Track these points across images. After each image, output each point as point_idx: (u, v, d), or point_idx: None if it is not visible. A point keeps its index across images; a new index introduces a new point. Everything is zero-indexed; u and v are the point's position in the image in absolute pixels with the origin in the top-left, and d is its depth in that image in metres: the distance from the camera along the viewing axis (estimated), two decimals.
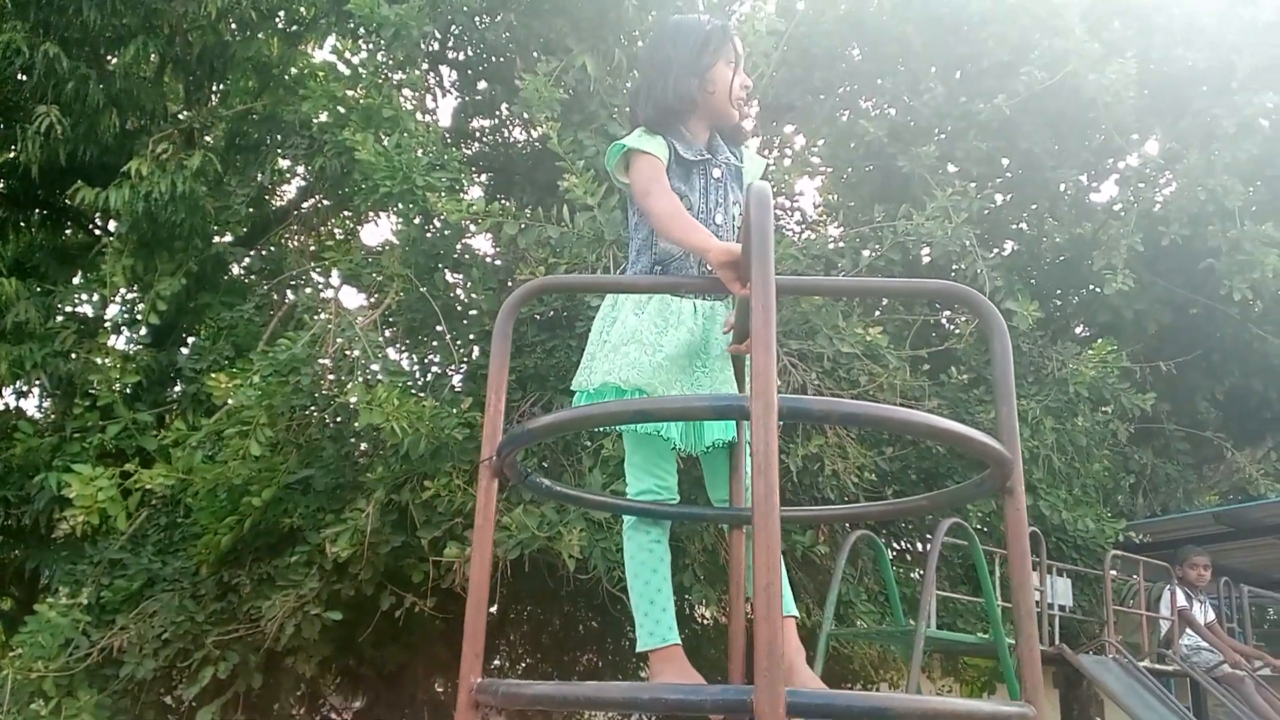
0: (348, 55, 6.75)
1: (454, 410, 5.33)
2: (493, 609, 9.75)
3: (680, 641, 2.18)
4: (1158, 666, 6.08)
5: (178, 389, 7.32)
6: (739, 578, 2.01)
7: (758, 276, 1.27)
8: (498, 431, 1.55)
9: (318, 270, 7.91)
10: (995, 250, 9.43)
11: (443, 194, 5.68)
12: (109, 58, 7.38)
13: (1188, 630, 6.28)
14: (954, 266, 7.04)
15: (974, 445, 1.40)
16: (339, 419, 6.20)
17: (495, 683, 1.38)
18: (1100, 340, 7.02)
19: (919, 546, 7.71)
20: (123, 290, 7.38)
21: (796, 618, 2.20)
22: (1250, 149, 6.40)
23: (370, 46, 6.58)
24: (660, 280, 1.93)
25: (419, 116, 7.67)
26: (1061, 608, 5.88)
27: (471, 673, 1.44)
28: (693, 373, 2.24)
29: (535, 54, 6.76)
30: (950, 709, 1.20)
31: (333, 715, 8.92)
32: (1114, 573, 6.24)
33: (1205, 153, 6.57)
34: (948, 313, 7.48)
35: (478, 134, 8.83)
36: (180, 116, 7.79)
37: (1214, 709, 6.73)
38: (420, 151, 6.00)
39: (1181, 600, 6.27)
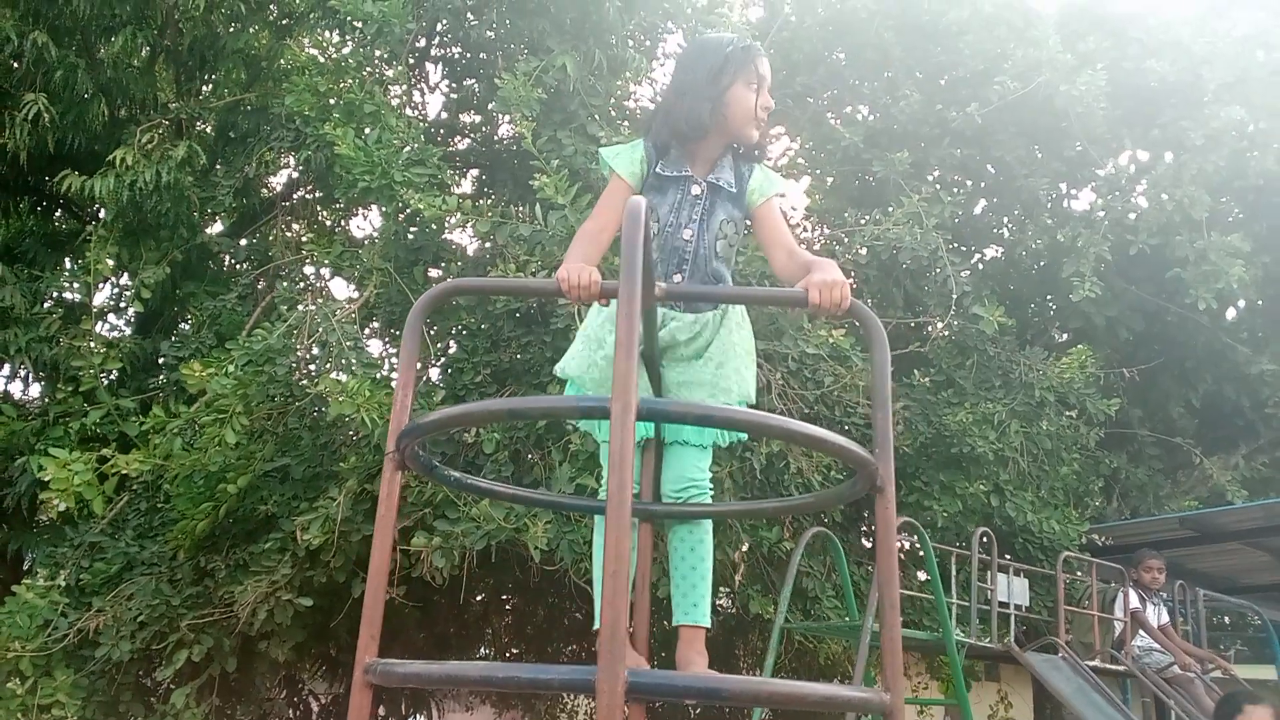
0: (330, 50, 6.83)
1: (426, 404, 5.44)
2: (479, 599, 9.91)
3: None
4: (1108, 666, 6.20)
5: (162, 377, 7.42)
6: (642, 568, 2.13)
7: (626, 287, 1.38)
8: (403, 425, 1.66)
9: (309, 261, 8.00)
10: (976, 256, 9.57)
11: (421, 190, 5.79)
12: (99, 47, 7.48)
13: (1140, 632, 6.41)
14: (927, 272, 7.16)
15: (833, 448, 1.51)
16: (317, 409, 6.31)
17: (385, 663, 1.49)
18: (1079, 346, 7.15)
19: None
20: (110, 278, 7.48)
21: (704, 628, 2.29)
22: (1217, 161, 6.51)
23: (354, 41, 6.67)
24: (545, 284, 2.04)
25: (407, 112, 7.79)
26: (1018, 607, 6.00)
27: (366, 653, 1.55)
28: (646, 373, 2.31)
29: (520, 53, 6.86)
30: (789, 691, 1.31)
31: (311, 700, 9.04)
32: (1069, 575, 6.35)
33: (1174, 164, 6.68)
34: (921, 318, 7.60)
35: (466, 130, 8.93)
36: (170, 107, 7.88)
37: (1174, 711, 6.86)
38: (406, 148, 6.10)
39: (1135, 602, 6.40)
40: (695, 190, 2.39)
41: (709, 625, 2.31)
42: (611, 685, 1.19)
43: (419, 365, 6.82)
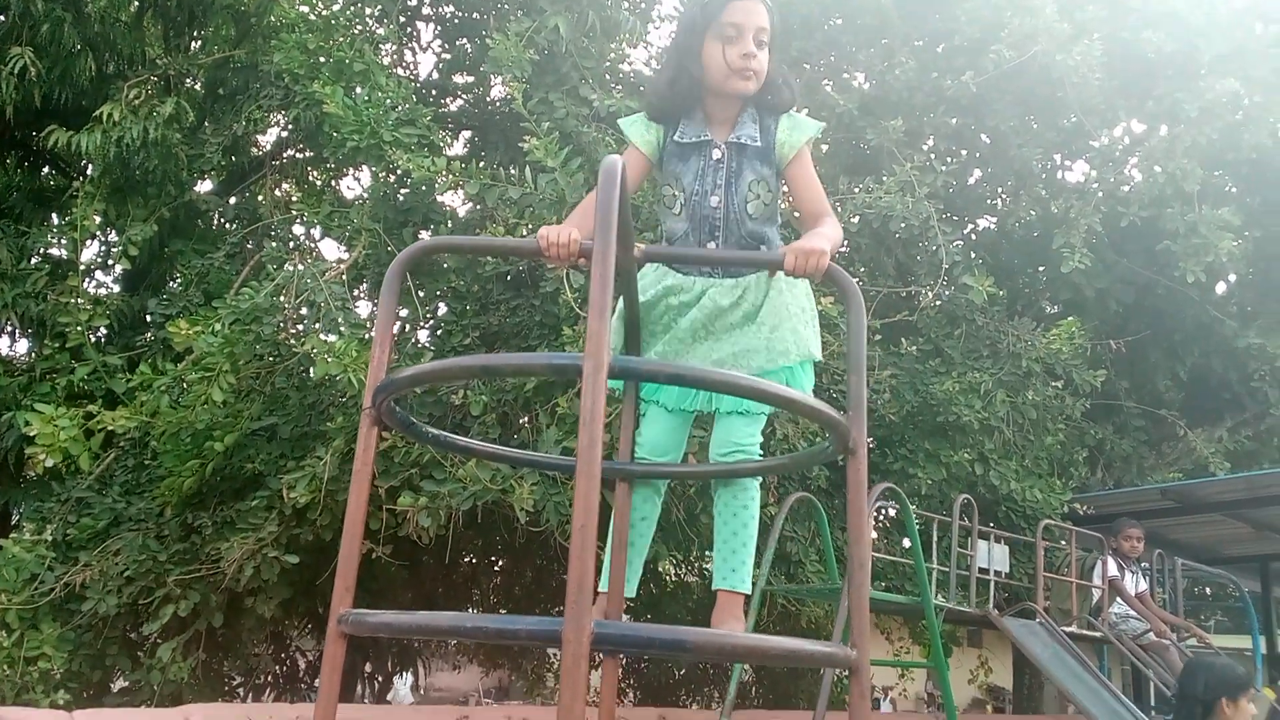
0: (320, 6, 6.75)
1: (414, 364, 5.43)
2: (467, 560, 9.99)
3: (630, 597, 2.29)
4: (1085, 633, 6.29)
5: (149, 334, 7.41)
6: (620, 529, 2.15)
7: (599, 246, 1.38)
8: (379, 381, 1.67)
9: (298, 221, 7.97)
10: (969, 226, 9.55)
11: (411, 151, 5.75)
12: (86, 1, 7.38)
13: (1118, 599, 6.50)
14: (919, 241, 7.15)
15: (804, 409, 1.52)
16: (304, 369, 6.31)
17: (357, 613, 1.51)
18: (1069, 319, 7.17)
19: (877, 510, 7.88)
20: (97, 234, 7.44)
21: (739, 592, 2.25)
22: (1210, 134, 6.49)
23: None
24: (524, 243, 2.04)
25: (398, 72, 7.71)
26: (998, 573, 6.07)
27: (341, 604, 1.57)
28: (693, 343, 2.29)
29: (513, 13, 6.78)
30: (752, 645, 1.33)
31: (299, 657, 9.12)
32: (1048, 542, 6.42)
33: (1168, 136, 6.66)
34: (912, 287, 7.59)
35: (459, 91, 8.86)
36: (158, 63, 7.80)
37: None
38: (396, 107, 6.05)
39: (1114, 570, 6.48)
40: (716, 154, 2.32)
41: (748, 591, 2.27)
42: (577, 636, 1.20)
43: (407, 328, 6.83)
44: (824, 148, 8.82)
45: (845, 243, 7.18)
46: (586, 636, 1.21)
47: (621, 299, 2.17)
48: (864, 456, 1.67)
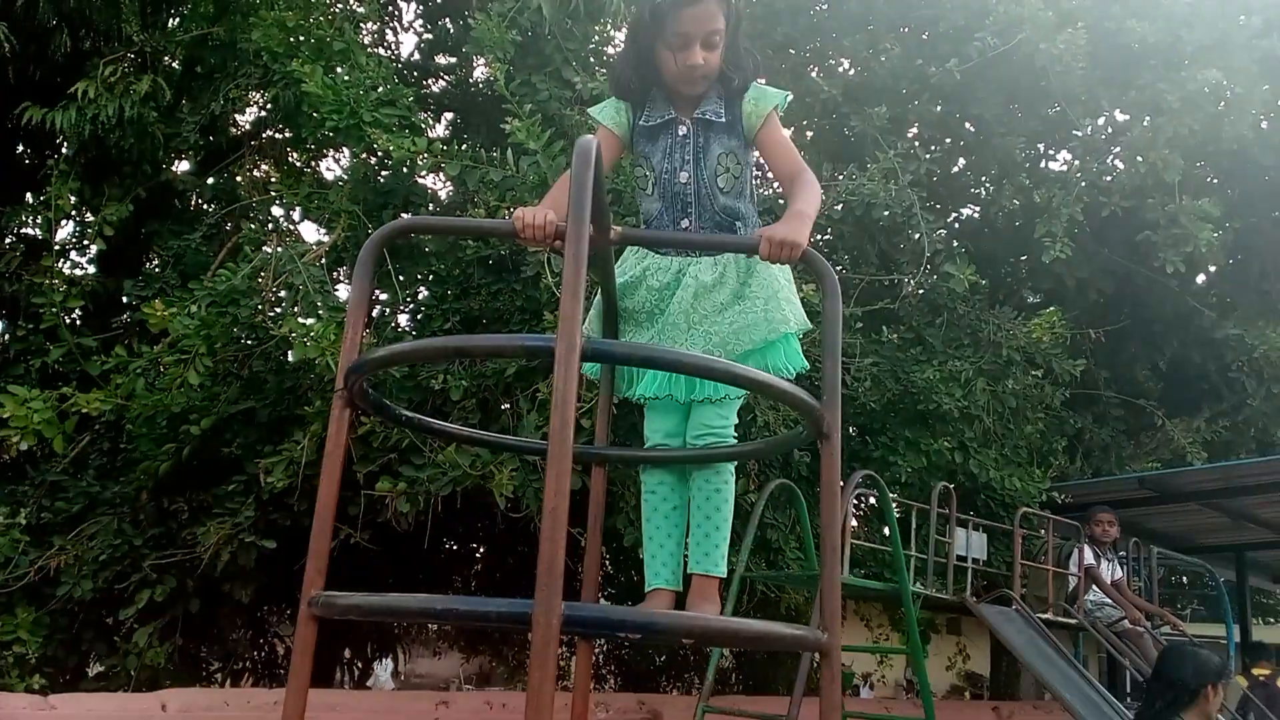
0: None
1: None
2: (449, 546, 9.96)
3: (663, 587, 2.29)
4: (1061, 619, 6.34)
5: (125, 316, 7.32)
6: (595, 511, 2.13)
7: (572, 227, 1.35)
8: (351, 362, 1.64)
9: (279, 202, 7.87)
10: (953, 215, 9.56)
11: (391, 131, 5.68)
12: None
13: (1093, 587, 6.54)
14: (902, 229, 7.14)
15: (777, 393, 1.50)
16: (282, 352, 6.25)
17: (327, 595, 1.49)
18: (1051, 309, 7.18)
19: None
20: (71, 214, 7.32)
21: (714, 576, 2.24)
22: (1192, 124, 6.50)
23: None
24: (499, 224, 2.02)
25: (379, 51, 7.62)
26: (975, 560, 6.10)
27: (312, 587, 1.54)
28: (688, 329, 2.26)
29: None
30: (723, 627, 1.31)
31: (277, 643, 9.07)
32: (1026, 530, 6.45)
33: (1150, 126, 6.67)
34: (894, 275, 7.60)
35: (441, 72, 8.77)
36: (135, 40, 7.67)
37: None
38: (379, 88, 5.98)
39: (1090, 558, 6.52)
40: (682, 130, 2.34)
41: (722, 574, 2.27)
42: (547, 618, 1.19)
43: (387, 312, 6.77)
44: (808, 135, 8.81)
45: (828, 230, 7.17)
46: (556, 619, 1.19)
47: (600, 283, 2.14)
48: (838, 441, 1.65)
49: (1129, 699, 6.53)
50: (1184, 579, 14.97)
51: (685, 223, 2.32)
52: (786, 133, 2.42)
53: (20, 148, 8.80)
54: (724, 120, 2.32)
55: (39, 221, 7.28)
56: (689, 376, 2.21)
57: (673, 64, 2.25)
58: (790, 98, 2.36)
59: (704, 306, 2.25)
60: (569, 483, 1.25)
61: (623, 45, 2.36)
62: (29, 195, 7.94)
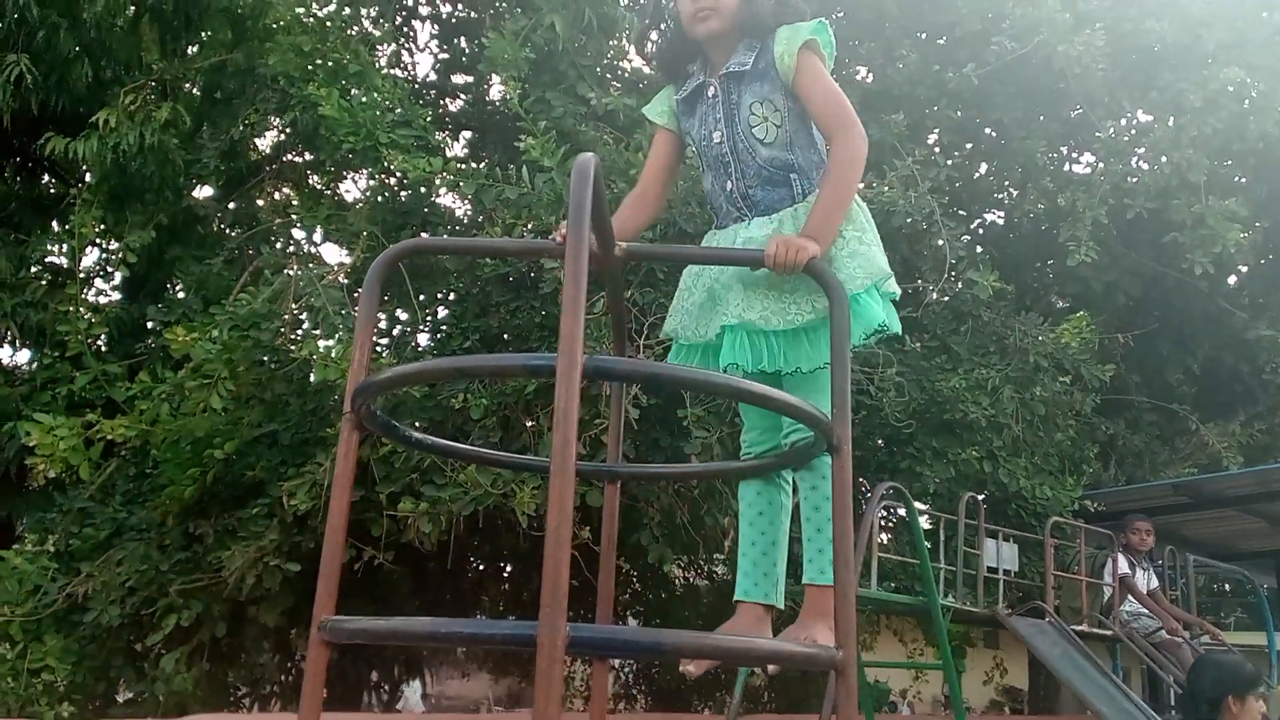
0: (315, 7, 6.70)
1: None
2: (475, 566, 9.92)
3: (740, 599, 2.20)
4: (1096, 631, 6.20)
5: (149, 341, 7.38)
6: (608, 530, 2.08)
7: (571, 243, 1.34)
8: (359, 384, 1.61)
9: (299, 224, 7.92)
10: (976, 221, 9.46)
11: (408, 152, 5.70)
12: (82, 7, 7.34)
13: (1129, 597, 6.40)
14: (924, 236, 7.07)
15: (783, 406, 1.46)
16: (304, 374, 6.26)
17: (336, 619, 1.45)
18: (1079, 314, 7.07)
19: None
20: (95, 242, 7.41)
21: (818, 585, 2.08)
22: (1215, 123, 6.40)
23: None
24: (527, 244, 1.98)
25: (395, 72, 7.66)
26: (1007, 572, 5.99)
27: (323, 611, 1.51)
28: (748, 295, 2.10)
29: (510, 11, 6.73)
30: (732, 645, 1.27)
31: (304, 667, 9.05)
32: (1058, 540, 6.33)
33: (1173, 127, 6.58)
34: (917, 283, 7.52)
35: (458, 91, 8.81)
36: (155, 68, 7.76)
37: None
38: (396, 109, 6.00)
39: (1124, 568, 6.38)
40: (711, 91, 2.23)
41: (830, 581, 1.99)
42: (552, 640, 1.15)
43: (407, 331, 6.78)
44: None
45: None
46: (561, 640, 1.16)
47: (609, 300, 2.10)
48: (848, 454, 1.60)
49: (1172, 712, 6.37)
50: (1226, 586, 14.67)
51: (729, 185, 2.20)
52: (826, 68, 2.21)
53: (44, 178, 8.93)
54: (752, 68, 2.17)
55: (64, 250, 7.37)
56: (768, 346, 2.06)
57: (688, 5, 2.16)
58: (827, 25, 2.18)
59: (758, 273, 2.06)
60: (572, 502, 1.22)
61: (650, 13, 2.32)
62: (54, 224, 8.05)
